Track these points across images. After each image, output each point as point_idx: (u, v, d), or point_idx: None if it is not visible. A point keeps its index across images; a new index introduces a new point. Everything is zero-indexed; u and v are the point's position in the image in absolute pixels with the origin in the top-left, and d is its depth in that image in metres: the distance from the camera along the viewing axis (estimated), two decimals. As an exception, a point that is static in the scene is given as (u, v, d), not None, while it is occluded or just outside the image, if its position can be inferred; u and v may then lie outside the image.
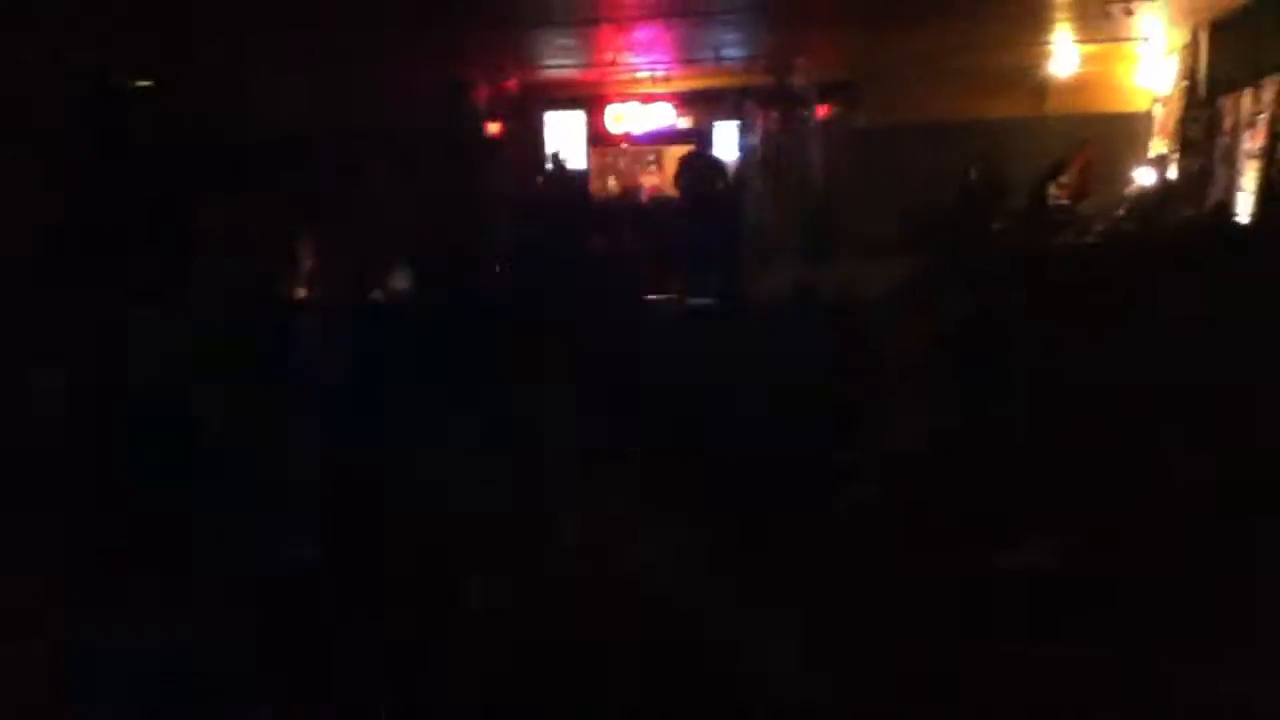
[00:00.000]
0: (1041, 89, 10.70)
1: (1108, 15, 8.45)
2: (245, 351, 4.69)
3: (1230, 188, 8.30)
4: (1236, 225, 7.88)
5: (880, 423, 4.53)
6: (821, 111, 10.35)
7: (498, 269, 8.80)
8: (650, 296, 8.27)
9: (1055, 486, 3.74)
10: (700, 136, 11.69)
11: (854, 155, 10.02)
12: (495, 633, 3.19)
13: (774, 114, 10.05)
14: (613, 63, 10.43)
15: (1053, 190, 9.81)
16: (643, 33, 9.46)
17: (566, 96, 12.18)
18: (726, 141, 11.55)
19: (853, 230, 8.53)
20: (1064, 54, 10.15)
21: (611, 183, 12.40)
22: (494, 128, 11.74)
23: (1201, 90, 9.24)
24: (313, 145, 9.17)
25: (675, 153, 11.64)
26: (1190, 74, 9.50)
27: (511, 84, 11.54)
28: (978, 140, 10.01)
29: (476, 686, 2.99)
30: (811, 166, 9.98)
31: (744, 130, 10.88)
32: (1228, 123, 8.60)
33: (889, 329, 5.26)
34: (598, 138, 12.40)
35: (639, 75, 11.15)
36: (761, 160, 9.54)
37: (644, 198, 11.88)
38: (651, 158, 12.37)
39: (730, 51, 9.96)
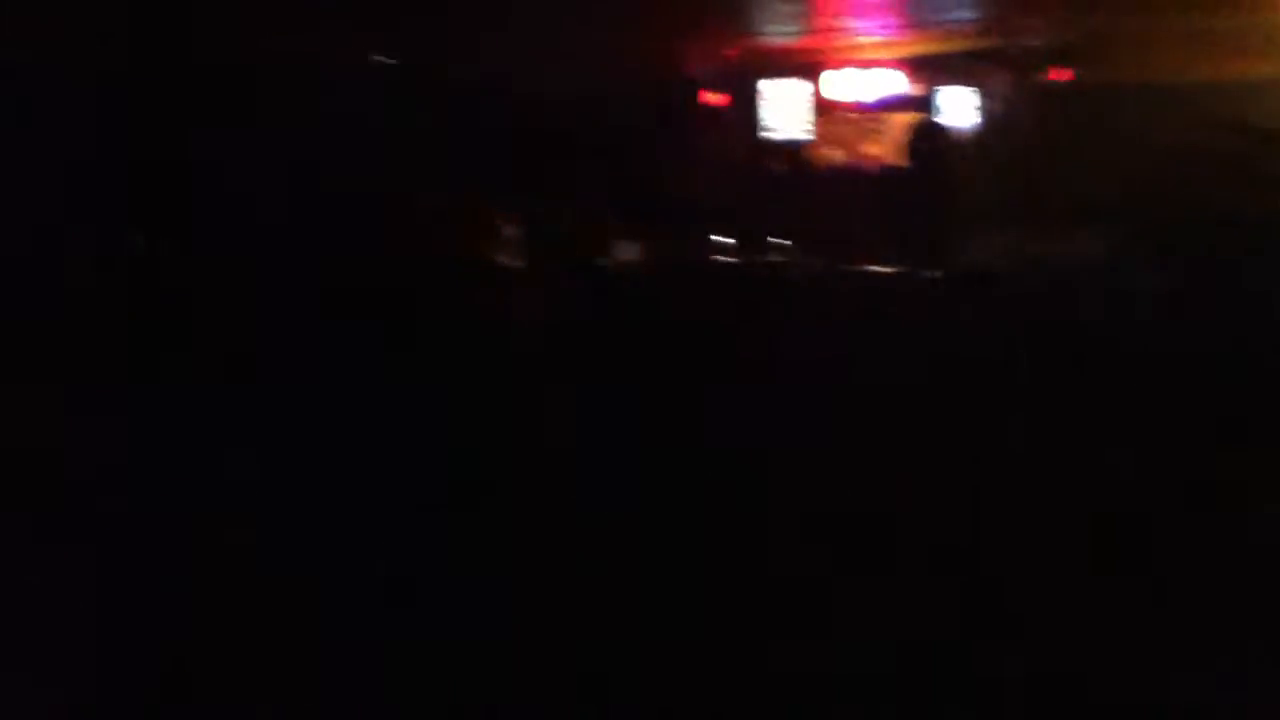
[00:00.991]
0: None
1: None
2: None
3: None
4: None
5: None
6: (1053, 74, 9.90)
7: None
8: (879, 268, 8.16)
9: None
10: (927, 103, 11.37)
11: (1087, 119, 9.55)
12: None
13: (1003, 77, 9.70)
14: (836, 28, 10.27)
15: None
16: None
17: (788, 64, 12.07)
18: (954, 107, 11.18)
19: (1087, 197, 8.18)
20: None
21: (835, 151, 12.21)
22: (713, 97, 11.78)
23: None
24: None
25: (900, 120, 11.42)
26: None
27: (732, 52, 11.52)
28: (1217, 103, 9.36)
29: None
30: (1043, 131, 9.58)
31: (972, 95, 10.52)
32: None
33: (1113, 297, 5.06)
34: (820, 106, 12.24)
35: (862, 40, 10.94)
36: (992, 126, 9.22)
37: (867, 166, 11.66)
38: (876, 126, 12.10)
39: (958, 14, 9.65)
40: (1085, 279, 6.15)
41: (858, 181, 11.31)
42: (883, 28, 10.34)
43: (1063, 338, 4.85)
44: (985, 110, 9.53)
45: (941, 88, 11.34)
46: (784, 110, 12.19)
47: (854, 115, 12.13)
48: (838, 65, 11.85)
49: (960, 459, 4.05)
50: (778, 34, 10.66)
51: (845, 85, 11.93)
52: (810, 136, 12.19)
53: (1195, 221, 6.18)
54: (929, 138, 10.27)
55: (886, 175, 11.28)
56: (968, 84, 10.63)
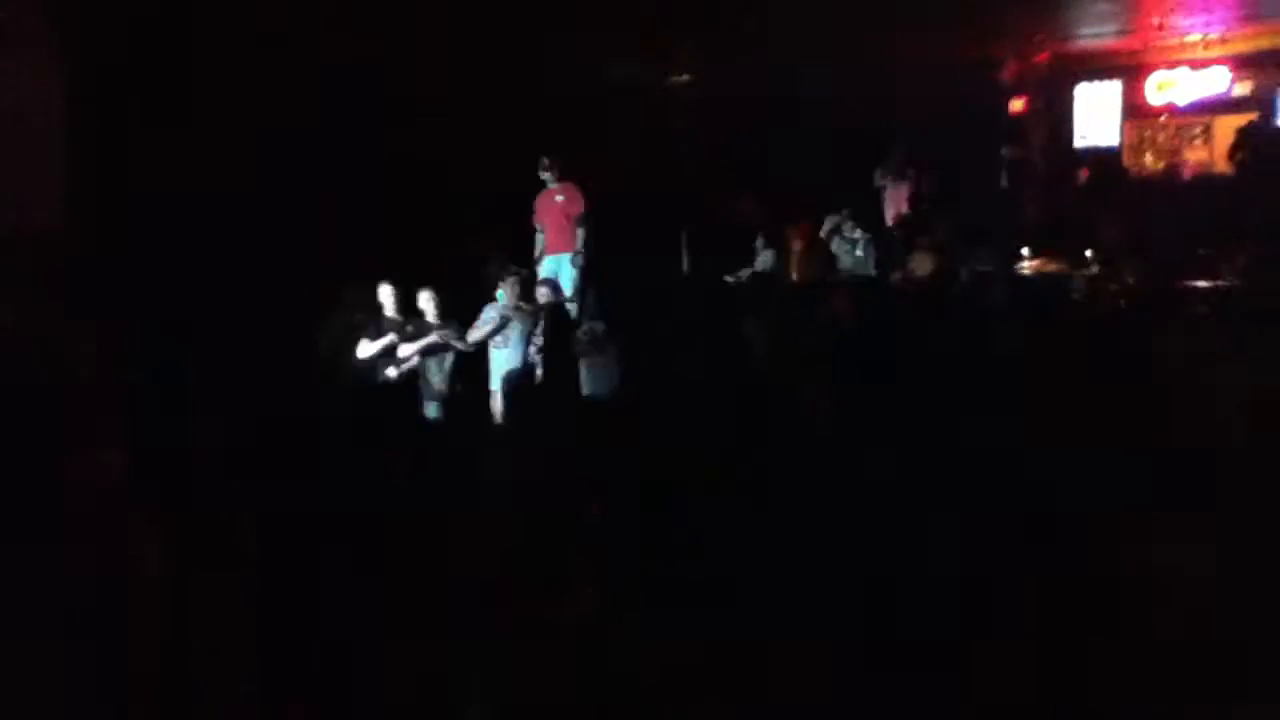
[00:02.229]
0: None
1: None
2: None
3: None
4: None
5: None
6: None
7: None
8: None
9: None
10: (1261, 104, 10.33)
11: None
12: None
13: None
14: (1159, 25, 9.49)
15: None
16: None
17: (1103, 65, 11.26)
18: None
19: None
20: None
21: (1149, 158, 11.31)
22: (1018, 104, 11.14)
23: None
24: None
25: (1228, 124, 10.44)
26: None
27: (1043, 55, 10.86)
28: None
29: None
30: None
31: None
32: None
33: None
34: (1134, 109, 11.35)
35: (1188, 39, 10.07)
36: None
37: (1186, 174, 10.74)
38: (1199, 129, 11.12)
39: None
40: None
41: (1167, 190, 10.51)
42: (1216, 23, 9.45)
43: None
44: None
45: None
46: (1095, 115, 11.41)
47: (1173, 119, 11.20)
48: (1164, 66, 10.97)
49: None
50: (1096, 35, 9.99)
51: (1170, 86, 11.00)
52: (1119, 142, 11.37)
53: None
54: (1264, 141, 9.42)
55: (1204, 183, 10.42)
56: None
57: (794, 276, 8.89)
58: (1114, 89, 11.40)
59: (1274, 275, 6.67)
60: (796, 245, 9.10)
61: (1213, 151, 10.79)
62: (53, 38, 5.99)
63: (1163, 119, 11.24)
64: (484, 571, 3.28)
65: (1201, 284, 7.44)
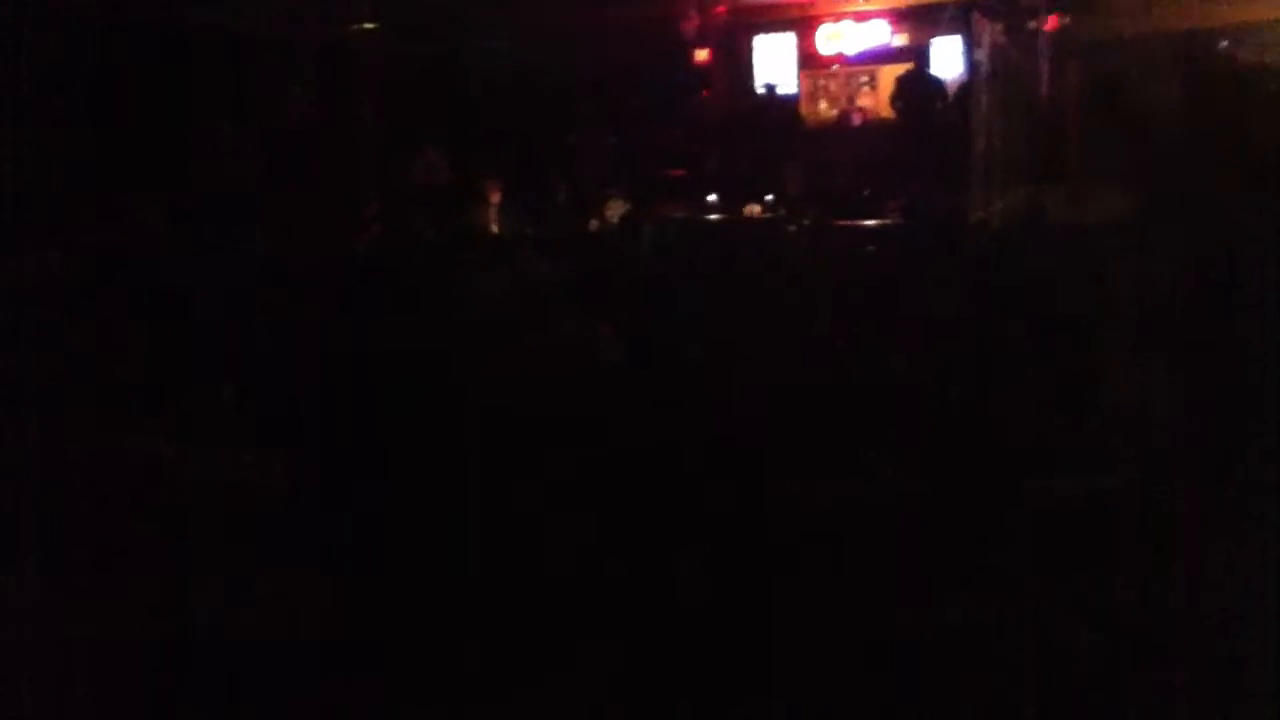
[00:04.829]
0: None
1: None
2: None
3: None
4: None
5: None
6: (1050, 23, 9.70)
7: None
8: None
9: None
10: (918, 54, 11.16)
11: (1086, 70, 9.36)
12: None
13: (998, 27, 9.48)
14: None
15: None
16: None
17: (777, 19, 11.86)
18: (946, 59, 10.98)
19: (1082, 152, 8.03)
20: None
21: (823, 106, 12.01)
22: (702, 55, 11.57)
23: None
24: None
25: (891, 73, 11.22)
26: None
27: (720, 9, 11.32)
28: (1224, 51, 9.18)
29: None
30: (1039, 82, 9.39)
31: (965, 46, 10.31)
32: None
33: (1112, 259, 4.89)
34: (808, 60, 12.02)
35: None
36: (985, 77, 9.01)
37: (857, 121, 11.48)
38: (865, 79, 11.89)
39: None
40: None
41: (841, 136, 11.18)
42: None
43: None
44: (982, 60, 9.29)
45: (936, 39, 11.13)
46: (773, 65, 11.99)
47: (844, 69, 11.93)
48: (831, 19, 11.66)
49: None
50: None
51: (837, 38, 11.71)
52: (797, 91, 12.01)
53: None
54: (918, 89, 10.10)
55: (871, 129, 11.15)
56: (963, 34, 10.41)
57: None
58: (789, 40, 12.03)
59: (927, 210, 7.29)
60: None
61: (878, 99, 11.56)
62: None
63: (834, 69, 11.96)
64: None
65: (869, 222, 8.04)
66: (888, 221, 7.93)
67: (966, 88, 9.51)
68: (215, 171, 7.04)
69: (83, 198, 4.90)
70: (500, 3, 9.20)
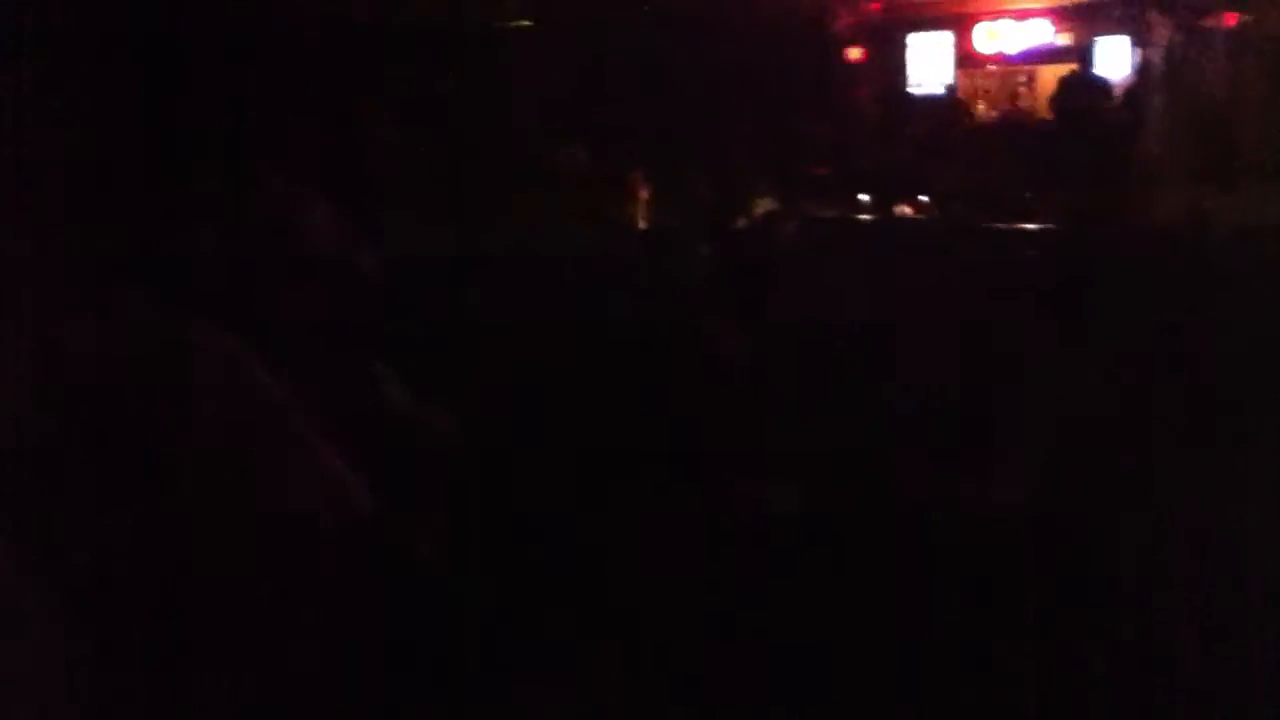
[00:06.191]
0: None
1: None
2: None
3: None
4: None
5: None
6: (1229, 20, 9.30)
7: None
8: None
9: None
10: (1081, 54, 10.82)
11: (1266, 68, 8.94)
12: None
13: (1169, 24, 9.13)
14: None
15: None
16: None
17: (933, 16, 11.64)
18: (1112, 59, 10.62)
19: (1262, 153, 7.67)
20: None
21: (980, 106, 11.75)
22: (856, 53, 11.42)
23: None
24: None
25: (1050, 72, 10.90)
26: None
27: (874, 6, 11.16)
28: None
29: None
30: (1214, 82, 9.00)
31: (1134, 44, 9.96)
32: None
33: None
34: (965, 59, 11.77)
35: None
36: (1156, 76, 8.69)
37: (1016, 120, 11.18)
38: (1023, 79, 11.59)
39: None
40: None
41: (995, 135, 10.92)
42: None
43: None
44: (1152, 59, 8.97)
45: (1101, 38, 10.77)
46: (928, 65, 11.77)
47: (1002, 69, 11.64)
48: (989, 16, 11.40)
49: None
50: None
51: (996, 37, 11.45)
52: (954, 91, 11.77)
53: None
54: (1080, 89, 9.81)
55: (1029, 129, 10.84)
56: (1131, 33, 10.06)
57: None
58: (946, 39, 11.79)
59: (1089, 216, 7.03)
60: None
61: (1036, 99, 11.25)
62: None
63: (990, 68, 11.69)
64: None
65: (1028, 226, 7.79)
66: (1050, 225, 7.68)
67: (1135, 88, 9.19)
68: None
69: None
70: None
